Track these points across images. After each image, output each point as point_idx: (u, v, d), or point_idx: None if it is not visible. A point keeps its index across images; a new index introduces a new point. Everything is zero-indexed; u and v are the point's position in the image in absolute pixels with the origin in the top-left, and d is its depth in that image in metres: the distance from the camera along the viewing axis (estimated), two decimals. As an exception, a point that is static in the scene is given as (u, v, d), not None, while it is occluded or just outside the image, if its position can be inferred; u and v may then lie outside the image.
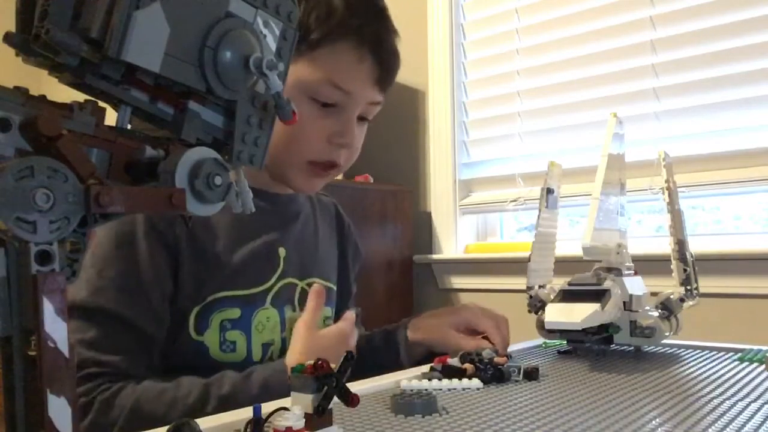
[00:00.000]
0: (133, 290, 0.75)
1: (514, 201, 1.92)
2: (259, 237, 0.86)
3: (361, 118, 0.88)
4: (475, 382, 0.63)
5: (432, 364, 0.68)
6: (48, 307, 0.27)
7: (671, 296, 0.80)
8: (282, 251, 0.88)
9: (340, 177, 1.94)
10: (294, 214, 0.94)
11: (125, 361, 0.74)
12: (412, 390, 0.58)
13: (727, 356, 0.79)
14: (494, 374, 0.65)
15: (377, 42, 0.84)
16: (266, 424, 0.43)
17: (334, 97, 0.82)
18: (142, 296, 0.76)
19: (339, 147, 0.86)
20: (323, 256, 0.97)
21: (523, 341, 0.92)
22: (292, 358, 0.77)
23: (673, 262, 0.83)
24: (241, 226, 0.85)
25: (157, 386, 0.72)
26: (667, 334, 0.79)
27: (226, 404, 0.69)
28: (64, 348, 0.28)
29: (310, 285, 0.90)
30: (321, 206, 1.02)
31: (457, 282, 2.03)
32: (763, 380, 0.64)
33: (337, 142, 0.85)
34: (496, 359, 0.67)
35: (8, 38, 0.32)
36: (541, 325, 0.79)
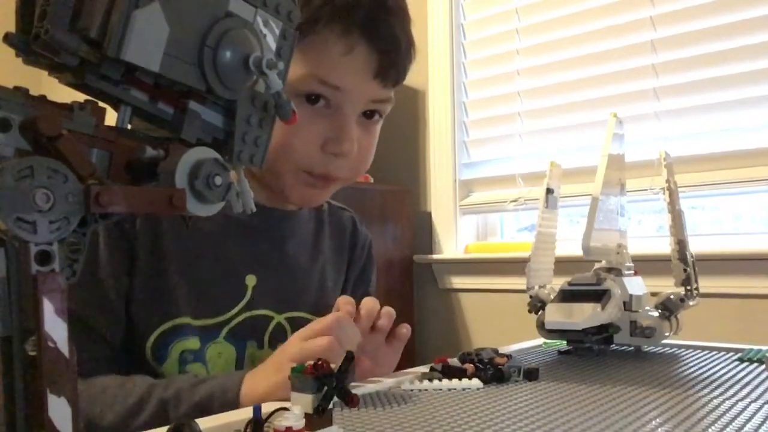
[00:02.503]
0: (89, 287, 0.69)
1: (514, 201, 1.92)
2: (219, 261, 0.76)
3: (369, 118, 0.77)
4: (475, 382, 0.63)
5: (432, 364, 0.68)
6: (48, 307, 0.27)
7: (671, 296, 0.80)
8: (251, 279, 0.77)
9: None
10: (284, 235, 0.82)
11: (80, 360, 0.69)
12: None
13: (727, 356, 0.79)
14: (494, 374, 0.65)
15: (371, 25, 0.71)
16: (266, 424, 0.43)
17: (325, 95, 0.72)
18: (98, 294, 0.70)
19: (335, 157, 0.74)
20: (322, 284, 0.86)
21: (523, 341, 0.92)
22: (258, 373, 0.66)
23: (673, 262, 0.83)
24: (204, 243, 0.75)
25: (104, 383, 0.67)
26: (667, 334, 0.79)
27: (165, 408, 0.64)
28: (64, 348, 0.28)
29: (290, 320, 0.80)
30: (332, 220, 0.90)
31: (457, 282, 2.03)
32: (763, 380, 0.64)
33: (332, 150, 0.73)
34: (496, 359, 0.67)
35: (8, 38, 0.32)
36: (541, 325, 0.79)
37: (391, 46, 0.73)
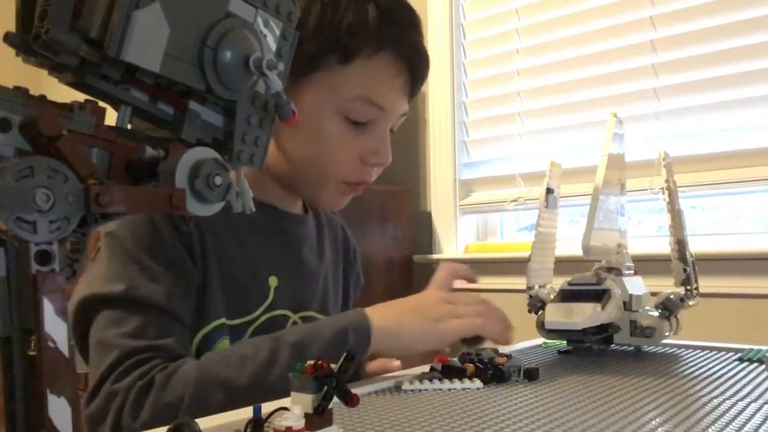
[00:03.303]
0: (168, 280, 0.71)
1: (514, 201, 1.92)
2: (247, 263, 0.78)
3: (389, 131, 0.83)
4: (475, 382, 0.63)
5: (432, 364, 0.68)
6: (48, 307, 0.27)
7: (671, 296, 0.80)
8: (273, 281, 0.80)
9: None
10: (299, 239, 0.86)
11: (177, 343, 0.68)
12: None
13: (727, 356, 0.79)
14: (494, 374, 0.65)
15: (413, 52, 0.77)
16: (266, 424, 0.43)
17: (368, 114, 0.77)
18: (178, 285, 0.71)
19: (373, 166, 0.81)
20: (325, 286, 0.89)
21: (523, 341, 0.92)
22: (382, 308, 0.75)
23: (673, 261, 0.83)
24: (235, 245, 0.78)
25: (218, 354, 0.68)
26: (667, 334, 0.79)
27: (301, 352, 0.65)
28: (64, 348, 0.28)
29: (305, 319, 0.83)
30: (328, 226, 0.95)
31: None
32: (763, 380, 0.64)
33: (373, 161, 0.80)
34: (496, 359, 0.67)
35: (8, 38, 0.32)
36: (541, 325, 0.79)
37: (425, 69, 0.80)
